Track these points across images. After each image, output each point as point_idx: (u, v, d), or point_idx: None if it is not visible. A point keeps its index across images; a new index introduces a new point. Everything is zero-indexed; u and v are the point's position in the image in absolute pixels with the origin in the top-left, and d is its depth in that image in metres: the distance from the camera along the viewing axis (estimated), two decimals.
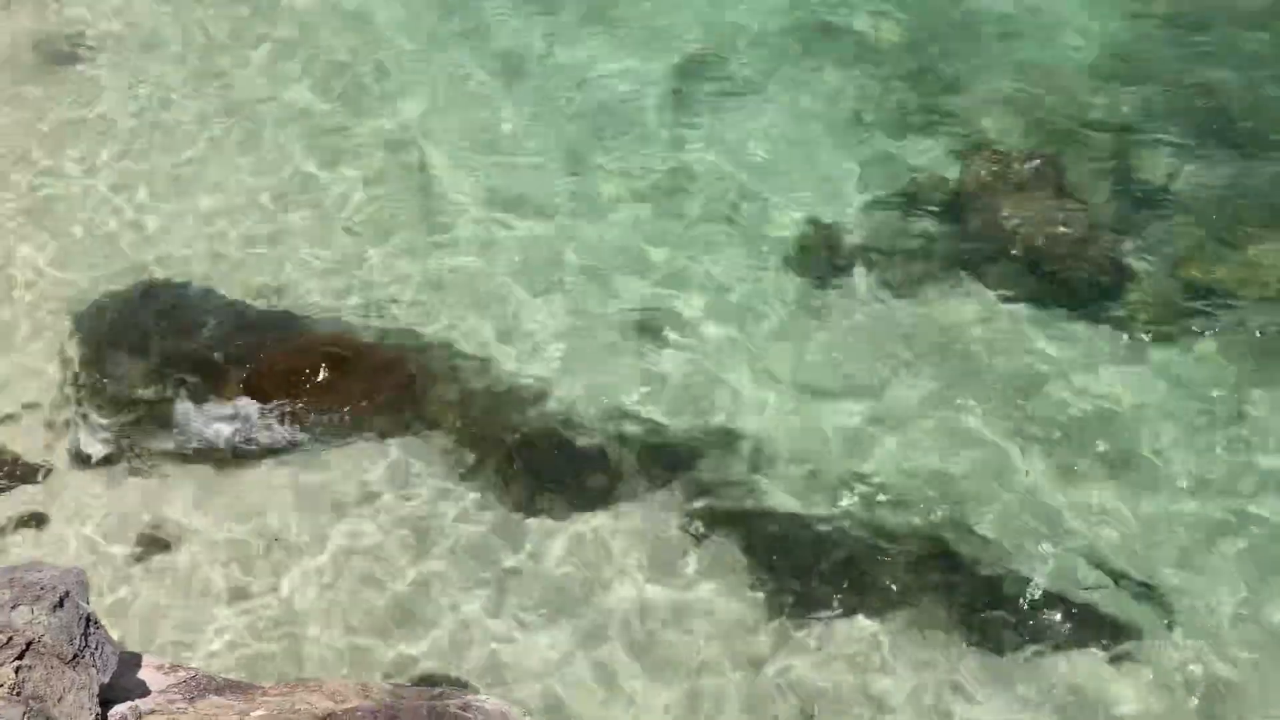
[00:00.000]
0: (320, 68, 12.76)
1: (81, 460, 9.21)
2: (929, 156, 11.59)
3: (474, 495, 8.99)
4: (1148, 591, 8.41)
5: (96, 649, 4.15)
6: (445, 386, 9.74)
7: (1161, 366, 9.78)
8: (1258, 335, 9.96)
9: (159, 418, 9.47)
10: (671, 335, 10.14)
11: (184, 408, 9.50)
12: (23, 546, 8.59)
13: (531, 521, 8.84)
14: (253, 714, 4.23)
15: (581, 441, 9.34)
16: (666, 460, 9.21)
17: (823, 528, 8.76)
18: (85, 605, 4.24)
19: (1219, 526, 8.74)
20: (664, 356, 9.98)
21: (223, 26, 13.28)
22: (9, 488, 8.99)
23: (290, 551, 8.66)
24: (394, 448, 9.28)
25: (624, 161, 11.71)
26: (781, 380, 9.78)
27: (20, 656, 3.85)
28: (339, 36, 13.15)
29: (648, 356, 9.99)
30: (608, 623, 8.27)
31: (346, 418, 9.43)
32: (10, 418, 9.47)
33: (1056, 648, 8.12)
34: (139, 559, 8.62)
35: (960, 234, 10.86)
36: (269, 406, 9.44)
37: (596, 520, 8.82)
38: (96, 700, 4.03)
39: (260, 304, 10.36)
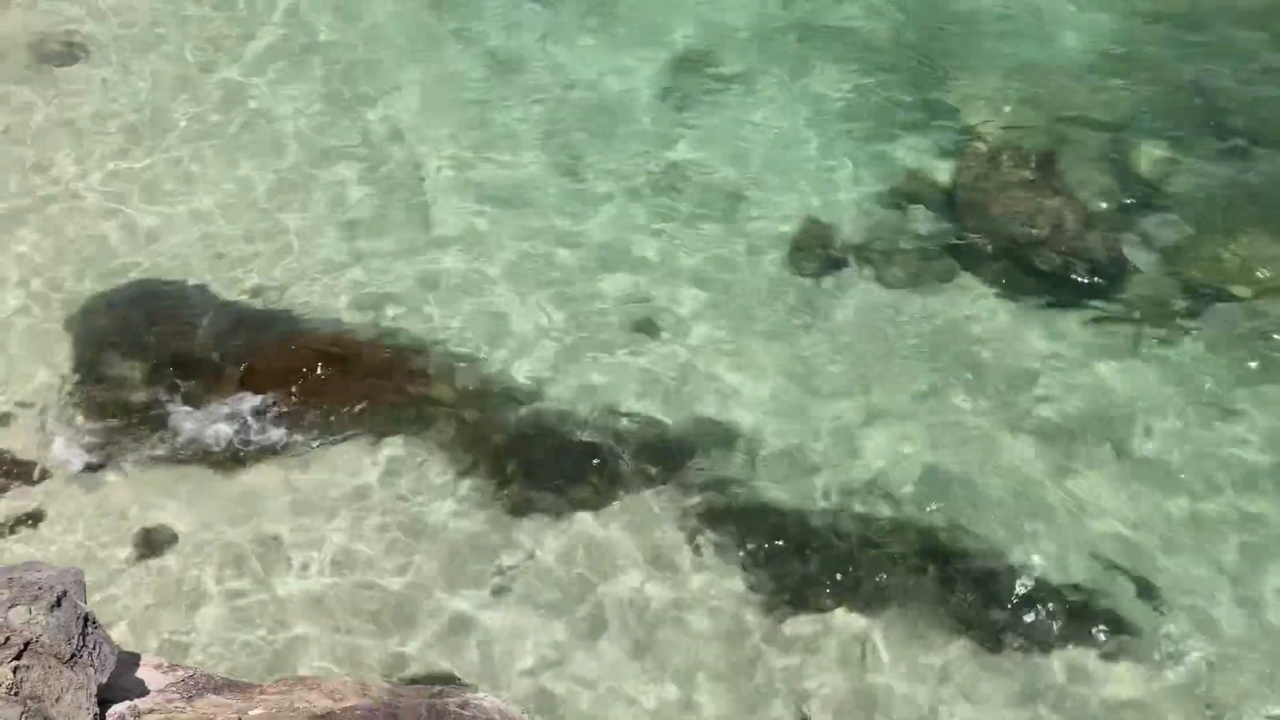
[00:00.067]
0: (315, 66, 12.75)
1: (77, 460, 9.20)
2: (924, 153, 11.61)
3: (470, 494, 9.00)
4: (1141, 585, 8.43)
5: (94, 648, 4.14)
6: (441, 385, 9.74)
7: (1156, 362, 9.81)
8: (1252, 331, 9.99)
9: (155, 418, 9.46)
10: (666, 333, 10.15)
11: (180, 408, 9.49)
12: (19, 546, 8.58)
13: (527, 519, 8.85)
14: (251, 712, 4.23)
15: (577, 439, 9.35)
16: (662, 457, 9.22)
17: (818, 524, 8.78)
18: (83, 605, 4.23)
19: (1213, 521, 8.78)
20: (659, 354, 9.99)
21: (218, 25, 13.25)
22: (5, 488, 8.98)
23: (287, 550, 8.65)
24: (391, 447, 9.28)
25: (619, 159, 11.71)
26: (776, 377, 9.80)
27: (18, 656, 3.85)
28: (334, 35, 13.14)
29: (642, 354, 10.00)
30: (604, 620, 8.28)
31: (342, 417, 9.43)
32: (6, 417, 9.45)
33: (1051, 642, 8.15)
34: (135, 559, 8.61)
35: (955, 230, 10.88)
36: (265, 407, 9.43)
37: (592, 518, 8.83)
38: (95, 700, 4.03)
39: (256, 303, 10.35)
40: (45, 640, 3.94)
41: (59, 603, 4.09)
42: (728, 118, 12.09)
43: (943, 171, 11.39)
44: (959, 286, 10.43)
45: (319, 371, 9.72)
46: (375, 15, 13.39)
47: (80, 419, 9.44)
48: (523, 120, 12.13)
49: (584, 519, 8.83)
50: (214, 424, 9.36)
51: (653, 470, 9.13)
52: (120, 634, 7.99)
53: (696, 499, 8.95)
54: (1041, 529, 8.73)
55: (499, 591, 8.44)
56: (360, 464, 9.18)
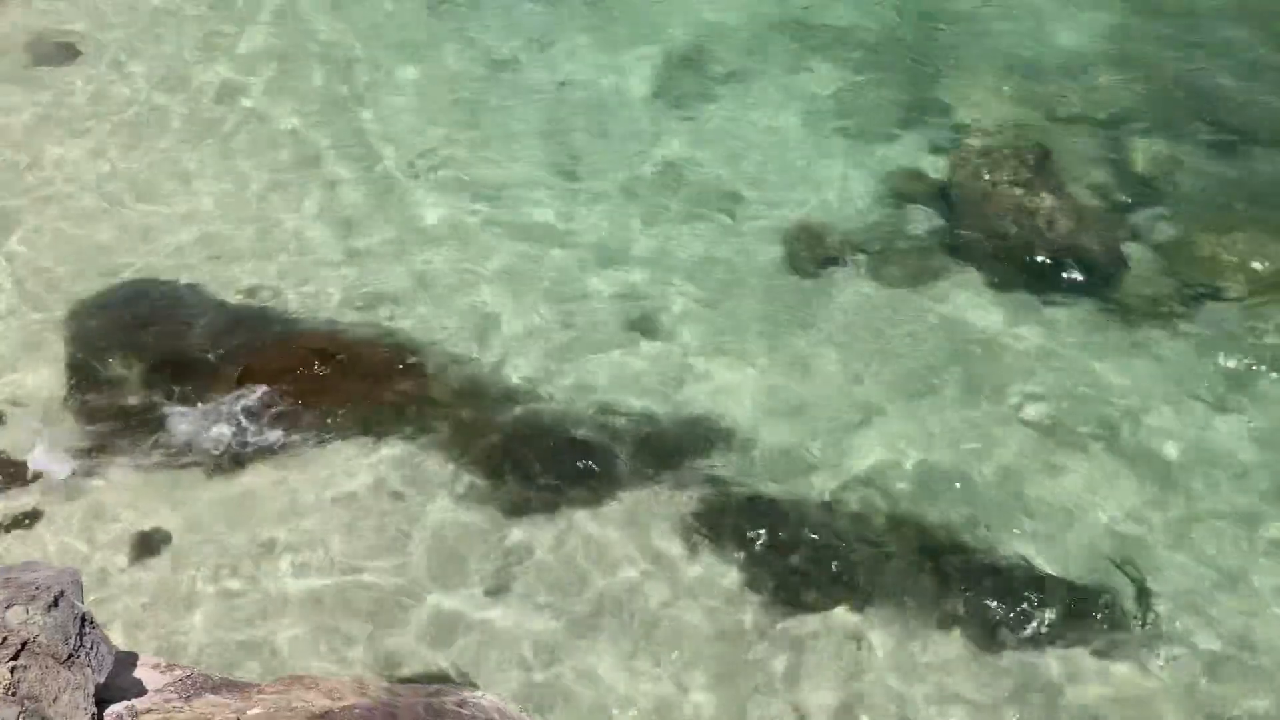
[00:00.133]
0: (311, 65, 12.74)
1: (58, 467, 9.17)
2: (919, 151, 11.63)
3: (467, 492, 8.99)
4: (1137, 583, 8.44)
5: (92, 648, 4.14)
6: (437, 384, 9.73)
7: (1152, 359, 9.83)
8: (1247, 328, 10.02)
9: (150, 417, 9.44)
10: (662, 331, 10.15)
11: (175, 408, 9.47)
12: (15, 547, 8.56)
13: (524, 518, 8.85)
14: (249, 712, 4.22)
15: (573, 437, 9.34)
16: (658, 455, 9.22)
17: (814, 521, 8.78)
18: (80, 605, 4.23)
19: (1209, 519, 8.79)
20: (655, 352, 10.00)
21: (214, 24, 13.24)
22: (2, 488, 8.96)
23: (283, 550, 8.64)
24: (387, 446, 9.27)
25: (614, 157, 11.72)
26: (771, 374, 9.80)
27: (15, 656, 3.85)
28: (327, 33, 13.13)
29: (638, 352, 10.00)
30: (601, 618, 8.28)
31: (339, 417, 9.42)
32: (2, 417, 9.43)
33: (1047, 640, 8.15)
34: (130, 559, 8.60)
35: (950, 228, 10.90)
36: (262, 406, 9.42)
37: (589, 516, 8.83)
38: (92, 700, 4.02)
39: (252, 303, 10.34)
40: (42, 640, 3.94)
41: (56, 603, 4.08)
42: (723, 116, 12.10)
43: (938, 169, 11.41)
44: (954, 284, 10.44)
45: (315, 371, 9.71)
46: (371, 15, 13.39)
47: (76, 419, 9.42)
48: (518, 119, 12.13)
49: (580, 517, 8.83)
50: (210, 424, 9.35)
51: (649, 468, 9.13)
52: (116, 635, 7.98)
53: (693, 497, 8.95)
54: (1037, 527, 8.74)
55: (496, 590, 8.44)
56: (356, 463, 9.17)
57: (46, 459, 9.14)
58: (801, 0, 13.39)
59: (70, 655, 4.01)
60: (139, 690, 4.45)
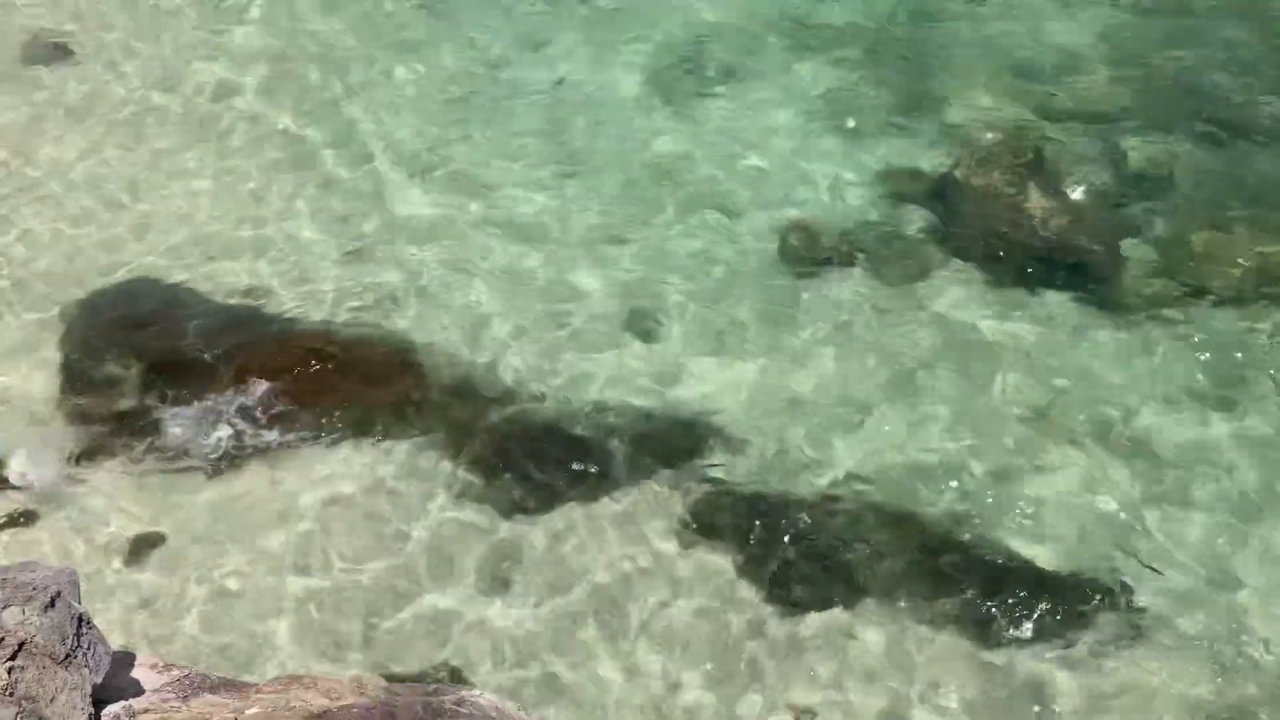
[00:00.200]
0: (304, 63, 12.71)
1: (67, 461, 9.17)
2: (914, 149, 11.62)
3: (462, 490, 8.99)
4: (1136, 579, 8.46)
5: (89, 649, 4.14)
6: (431, 382, 9.73)
7: (1148, 356, 9.84)
8: (1243, 326, 10.04)
9: (144, 417, 9.43)
10: (656, 329, 10.15)
11: (169, 408, 9.46)
12: (11, 547, 8.55)
13: (518, 515, 8.86)
14: (247, 711, 4.22)
15: (567, 435, 9.35)
16: (653, 452, 9.23)
17: (809, 518, 8.79)
18: (77, 605, 4.23)
19: (1207, 515, 8.81)
20: (649, 350, 10.00)
21: (208, 23, 13.21)
22: None
23: (279, 549, 8.64)
24: (383, 445, 9.27)
25: (608, 155, 11.71)
26: (766, 372, 9.81)
27: (12, 657, 3.84)
28: (320, 33, 13.10)
29: (632, 350, 10.01)
30: (597, 615, 8.29)
31: (334, 415, 9.42)
32: None
33: (1043, 636, 8.17)
34: (128, 560, 8.59)
35: (945, 226, 10.90)
36: (256, 405, 9.41)
37: (584, 513, 8.84)
38: (89, 700, 4.02)
39: (248, 303, 10.33)
40: (39, 641, 3.93)
41: (53, 603, 4.08)
42: (720, 115, 12.10)
43: (933, 167, 11.41)
44: (950, 282, 10.45)
45: (310, 370, 9.70)
46: (368, 14, 13.36)
47: (70, 421, 9.41)
48: (515, 118, 12.12)
49: (577, 515, 8.84)
50: (206, 423, 9.34)
51: (645, 467, 9.13)
52: (113, 635, 7.97)
53: (688, 495, 8.96)
54: (1032, 524, 8.76)
55: (493, 588, 8.45)
56: (353, 463, 9.17)
57: (41, 460, 9.13)
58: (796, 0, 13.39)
59: (67, 655, 4.01)
60: (136, 690, 4.45)
